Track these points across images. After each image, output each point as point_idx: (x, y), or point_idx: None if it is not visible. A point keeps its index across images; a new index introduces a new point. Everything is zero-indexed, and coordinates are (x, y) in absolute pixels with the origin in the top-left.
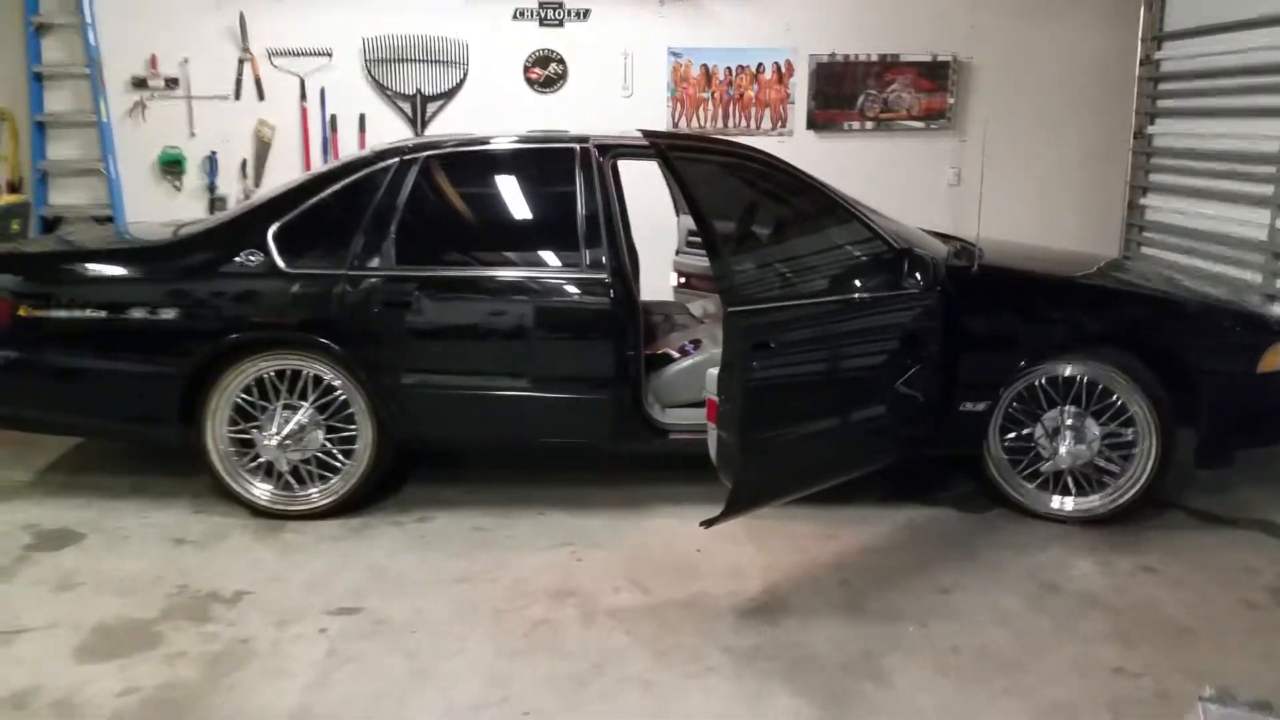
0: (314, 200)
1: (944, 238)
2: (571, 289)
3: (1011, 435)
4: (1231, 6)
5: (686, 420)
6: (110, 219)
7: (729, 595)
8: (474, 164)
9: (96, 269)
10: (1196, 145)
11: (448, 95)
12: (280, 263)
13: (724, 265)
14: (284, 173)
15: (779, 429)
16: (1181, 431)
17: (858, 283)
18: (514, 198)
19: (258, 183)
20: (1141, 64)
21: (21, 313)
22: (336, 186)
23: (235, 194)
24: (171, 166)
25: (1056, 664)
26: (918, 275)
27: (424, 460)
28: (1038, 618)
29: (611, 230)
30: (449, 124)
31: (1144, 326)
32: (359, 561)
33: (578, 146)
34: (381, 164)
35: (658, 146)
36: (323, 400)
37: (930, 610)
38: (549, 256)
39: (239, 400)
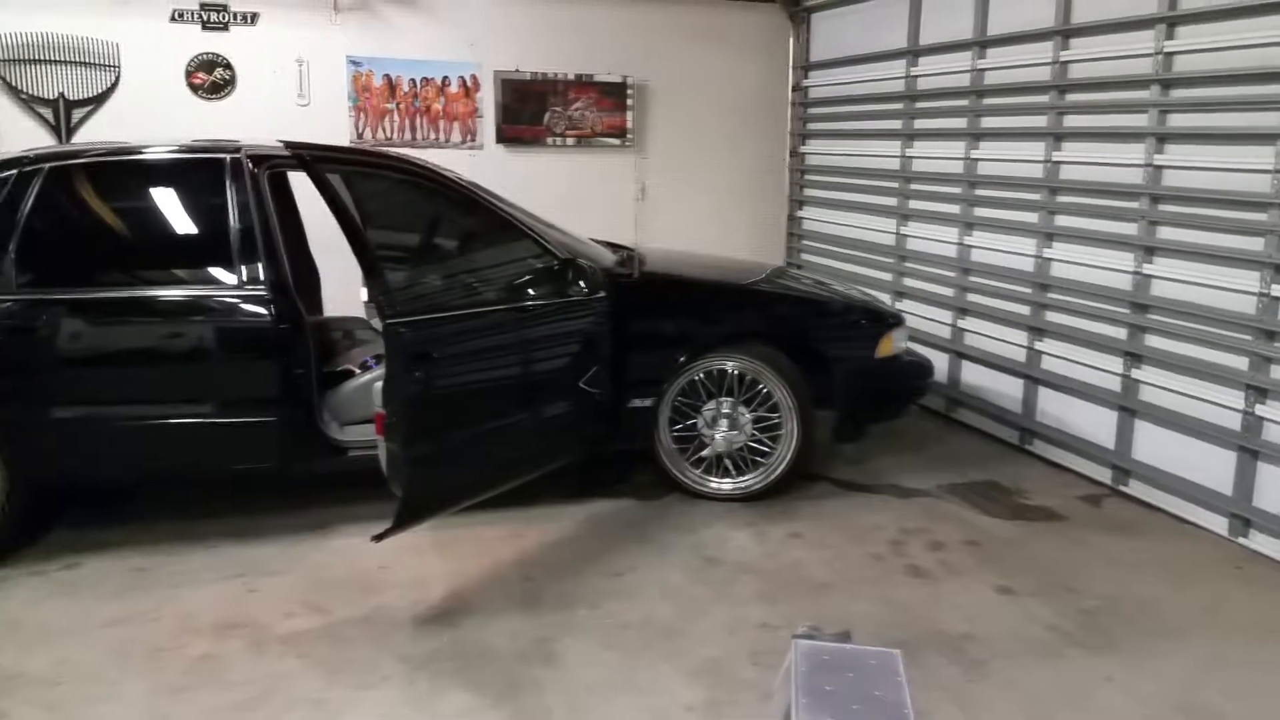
0: None
1: (615, 248)
2: (227, 307)
3: (679, 426)
4: (862, 41)
5: (365, 436)
6: None
7: (410, 606)
8: (111, 176)
9: None
10: (839, 163)
11: (97, 101)
12: None
13: (379, 279)
14: None
15: (446, 437)
16: (823, 412)
17: (523, 291)
18: (158, 212)
19: None
20: (793, 90)
21: None
22: None
23: None
24: None
25: (711, 627)
26: (581, 283)
27: (77, 502)
28: (698, 588)
29: (270, 244)
30: (101, 132)
31: (784, 323)
32: None
33: (228, 157)
34: None
35: (302, 158)
36: None
37: (602, 593)
38: (200, 274)
39: None
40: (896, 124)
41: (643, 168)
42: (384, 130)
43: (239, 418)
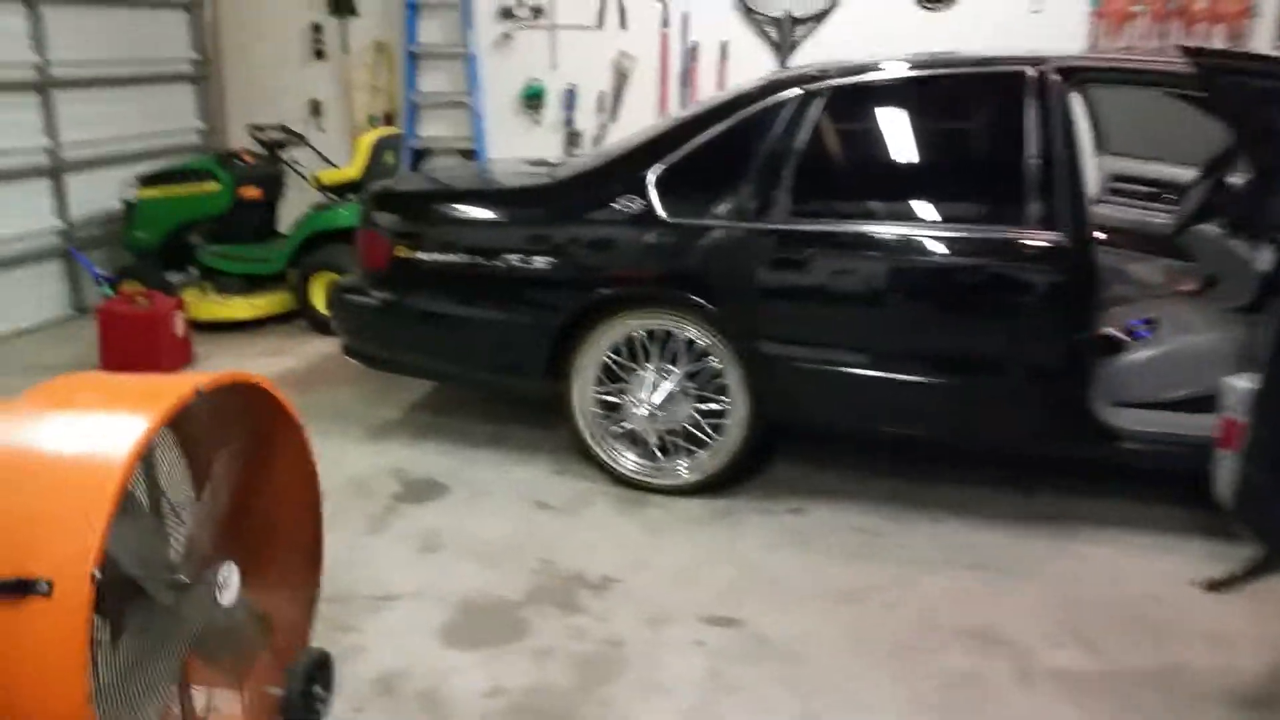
0: (700, 140)
1: None
2: (1014, 254)
3: None
4: None
5: (1149, 426)
6: (472, 153)
7: (1219, 673)
8: (893, 97)
9: (469, 212)
10: None
11: (819, 17)
12: (660, 211)
13: None
14: (640, 106)
15: None
16: None
17: None
18: (943, 139)
19: (614, 117)
20: None
21: (398, 254)
22: (726, 124)
23: (591, 129)
24: (533, 100)
25: None
26: None
27: (793, 436)
28: None
29: (1069, 179)
30: (818, 50)
31: None
32: (728, 554)
33: (1031, 70)
34: (778, 97)
35: (1206, 68)
36: (693, 368)
37: None
38: (986, 212)
39: (607, 360)
40: None
41: None
42: (1126, 38)
43: (1005, 383)
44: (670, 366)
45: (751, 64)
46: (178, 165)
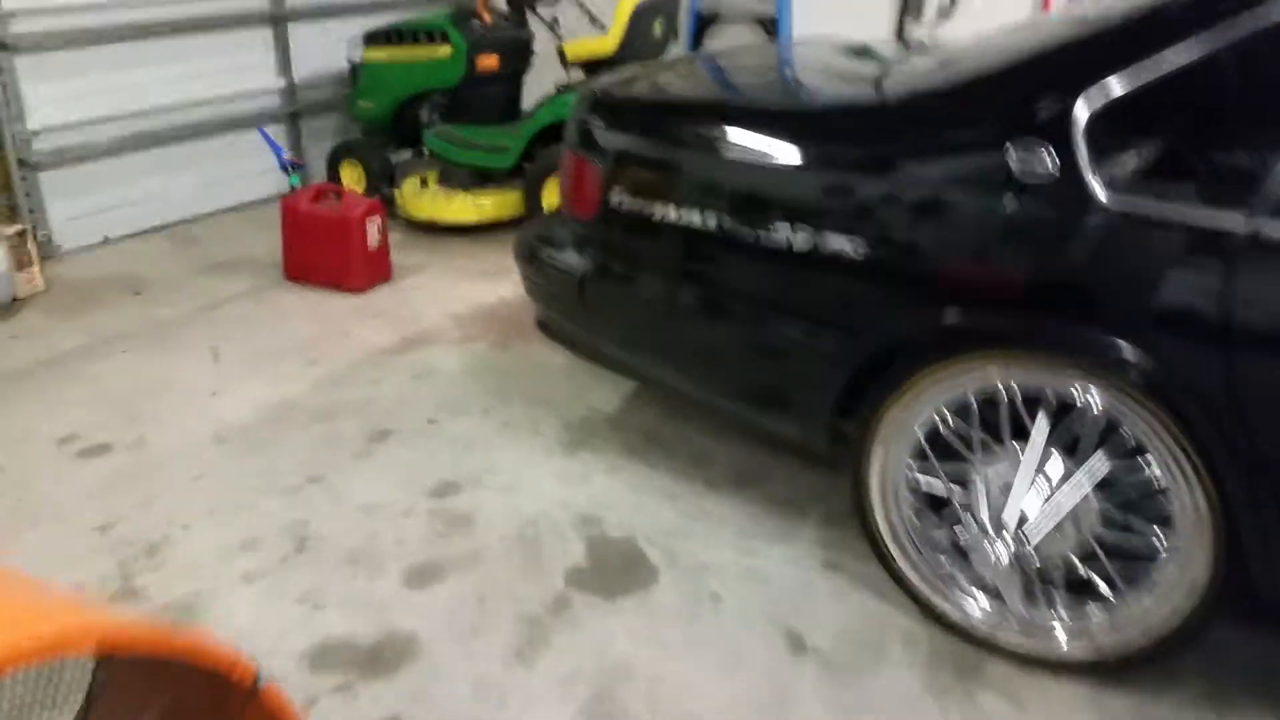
0: (1182, 45)
1: None
2: None
3: None
4: None
5: None
6: (773, 23)
7: None
8: None
9: (736, 141)
10: None
11: None
12: (1092, 179)
13: None
14: None
15: None
16: None
17: None
18: None
19: None
20: None
21: (613, 200)
22: (1251, 24)
23: (932, 3)
24: None
25: None
26: None
27: None
28: None
29: None
30: None
31: None
32: None
33: None
34: None
35: None
36: (1104, 466)
37: None
38: None
39: (940, 420)
40: None
41: None
42: None
43: None
44: (1058, 454)
45: None
46: (409, 23)
